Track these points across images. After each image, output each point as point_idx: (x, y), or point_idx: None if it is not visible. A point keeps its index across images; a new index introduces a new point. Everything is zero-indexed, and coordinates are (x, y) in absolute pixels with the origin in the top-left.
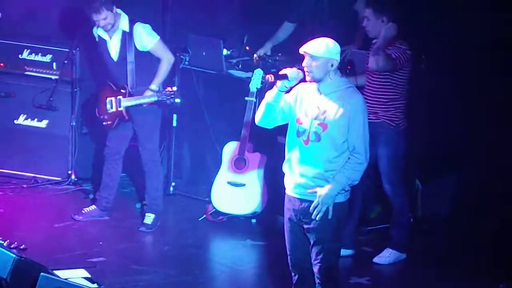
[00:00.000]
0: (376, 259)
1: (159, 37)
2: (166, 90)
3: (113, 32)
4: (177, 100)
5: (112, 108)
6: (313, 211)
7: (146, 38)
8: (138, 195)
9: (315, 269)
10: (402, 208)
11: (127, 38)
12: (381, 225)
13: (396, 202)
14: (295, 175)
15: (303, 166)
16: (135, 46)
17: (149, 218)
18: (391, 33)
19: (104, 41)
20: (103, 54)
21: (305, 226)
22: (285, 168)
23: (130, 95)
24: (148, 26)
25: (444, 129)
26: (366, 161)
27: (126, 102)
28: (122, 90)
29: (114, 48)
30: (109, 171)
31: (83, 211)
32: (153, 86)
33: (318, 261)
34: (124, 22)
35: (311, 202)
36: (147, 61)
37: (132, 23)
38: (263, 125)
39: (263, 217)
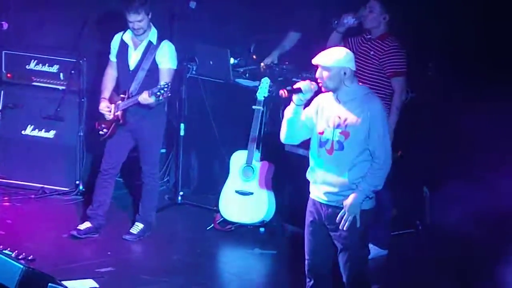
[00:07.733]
0: None
1: (175, 67)
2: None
3: (140, 40)
4: (168, 95)
5: (110, 115)
6: (340, 220)
7: (166, 58)
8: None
9: (344, 276)
10: (383, 204)
11: (151, 49)
12: (397, 231)
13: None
14: (320, 184)
15: (328, 175)
16: (154, 58)
17: (136, 227)
18: (385, 30)
19: (126, 46)
20: (119, 61)
21: (332, 234)
22: (309, 176)
23: (129, 98)
24: (174, 50)
25: (452, 135)
26: (386, 166)
27: (123, 105)
28: (122, 95)
29: (135, 55)
30: (105, 188)
31: (79, 228)
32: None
33: (346, 268)
34: (153, 34)
35: (337, 208)
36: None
37: (161, 39)
38: (289, 142)
39: (272, 225)
